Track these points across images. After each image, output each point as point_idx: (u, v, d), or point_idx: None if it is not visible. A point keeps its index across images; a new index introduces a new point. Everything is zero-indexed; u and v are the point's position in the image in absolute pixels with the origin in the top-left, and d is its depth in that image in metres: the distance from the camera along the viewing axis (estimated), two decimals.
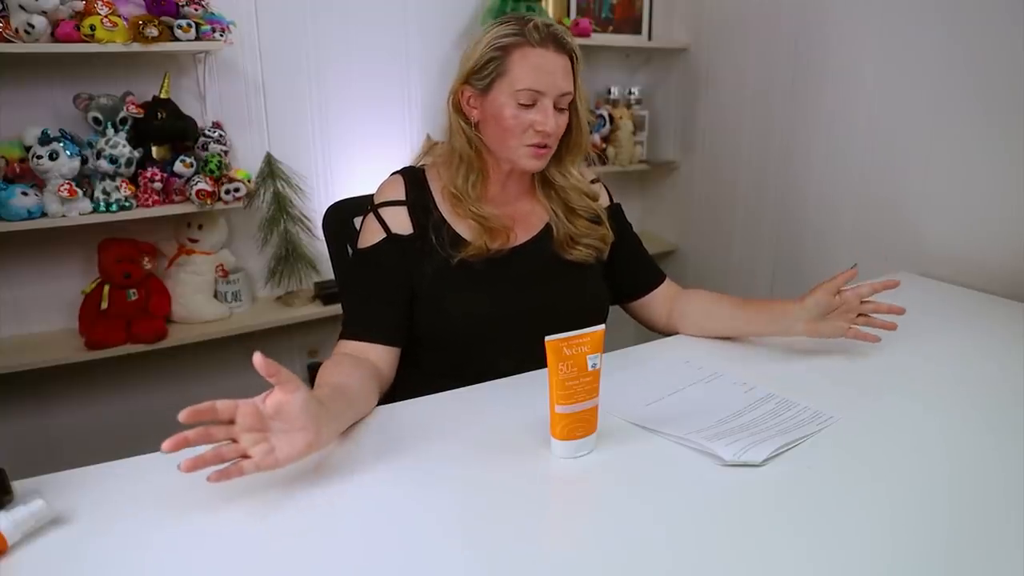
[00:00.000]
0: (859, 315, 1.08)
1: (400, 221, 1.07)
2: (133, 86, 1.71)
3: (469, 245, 1.06)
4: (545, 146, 1.05)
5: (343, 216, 1.33)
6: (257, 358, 0.67)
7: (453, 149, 1.08)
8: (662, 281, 1.23)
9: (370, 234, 1.08)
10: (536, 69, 1.01)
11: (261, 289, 2.02)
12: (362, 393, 0.90)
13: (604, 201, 1.20)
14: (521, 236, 1.11)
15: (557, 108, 1.04)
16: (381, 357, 1.01)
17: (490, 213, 1.07)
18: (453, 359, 1.09)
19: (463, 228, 1.08)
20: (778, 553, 0.66)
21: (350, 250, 1.31)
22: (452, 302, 1.06)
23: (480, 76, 1.03)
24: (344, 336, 1.02)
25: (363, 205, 1.13)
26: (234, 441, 0.70)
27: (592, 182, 1.19)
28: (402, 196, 1.09)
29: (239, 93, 1.88)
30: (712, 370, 1.05)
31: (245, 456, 0.70)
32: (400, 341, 1.04)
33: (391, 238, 1.06)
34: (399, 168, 1.14)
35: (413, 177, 1.11)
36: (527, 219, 1.13)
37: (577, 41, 1.08)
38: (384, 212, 1.08)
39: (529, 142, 1.03)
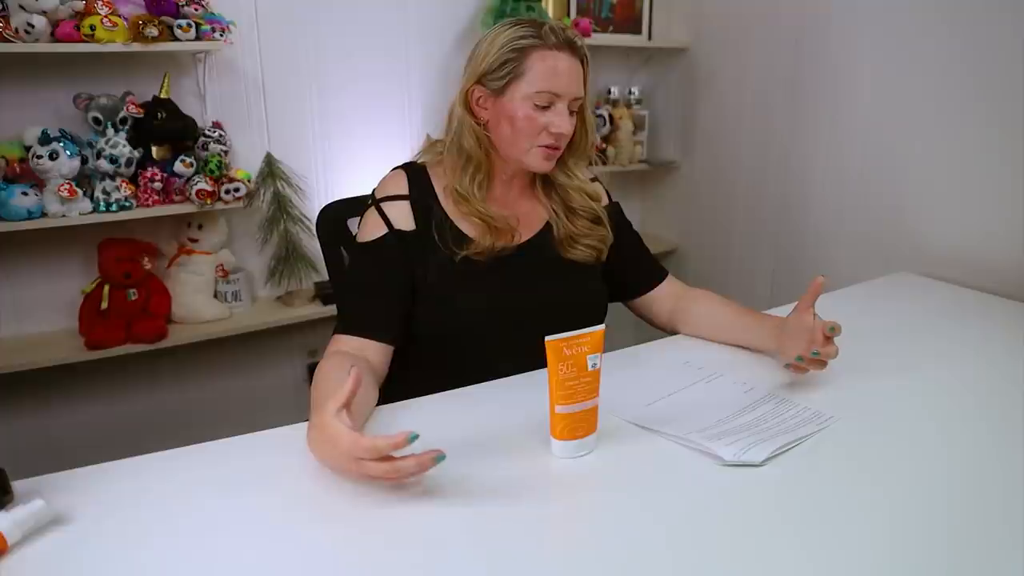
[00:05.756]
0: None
1: (403, 216, 1.07)
2: (133, 86, 1.71)
3: (473, 243, 1.06)
4: (556, 147, 1.05)
5: (336, 217, 1.31)
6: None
7: (461, 149, 1.08)
8: (663, 278, 1.23)
9: (372, 228, 1.08)
10: (554, 71, 1.02)
11: (261, 289, 2.02)
12: (367, 397, 0.90)
13: (603, 200, 1.20)
14: (524, 235, 1.12)
15: (569, 111, 1.05)
16: (376, 354, 1.00)
17: (497, 214, 1.07)
18: (452, 356, 1.09)
19: (466, 226, 1.08)
20: (778, 553, 0.66)
21: (344, 251, 1.30)
22: (454, 299, 1.06)
23: (495, 77, 1.03)
24: (340, 331, 1.01)
25: (356, 206, 1.12)
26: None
27: (591, 181, 1.19)
28: (404, 191, 1.09)
29: (239, 93, 1.88)
30: (712, 370, 1.05)
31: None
32: (397, 338, 1.04)
33: (393, 232, 1.06)
34: (400, 164, 1.14)
35: (415, 173, 1.11)
36: (528, 218, 1.13)
37: None
38: (386, 207, 1.08)
39: (542, 143, 1.04)
